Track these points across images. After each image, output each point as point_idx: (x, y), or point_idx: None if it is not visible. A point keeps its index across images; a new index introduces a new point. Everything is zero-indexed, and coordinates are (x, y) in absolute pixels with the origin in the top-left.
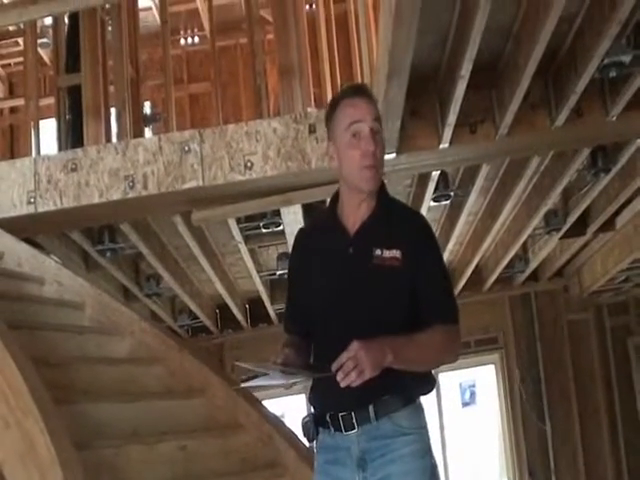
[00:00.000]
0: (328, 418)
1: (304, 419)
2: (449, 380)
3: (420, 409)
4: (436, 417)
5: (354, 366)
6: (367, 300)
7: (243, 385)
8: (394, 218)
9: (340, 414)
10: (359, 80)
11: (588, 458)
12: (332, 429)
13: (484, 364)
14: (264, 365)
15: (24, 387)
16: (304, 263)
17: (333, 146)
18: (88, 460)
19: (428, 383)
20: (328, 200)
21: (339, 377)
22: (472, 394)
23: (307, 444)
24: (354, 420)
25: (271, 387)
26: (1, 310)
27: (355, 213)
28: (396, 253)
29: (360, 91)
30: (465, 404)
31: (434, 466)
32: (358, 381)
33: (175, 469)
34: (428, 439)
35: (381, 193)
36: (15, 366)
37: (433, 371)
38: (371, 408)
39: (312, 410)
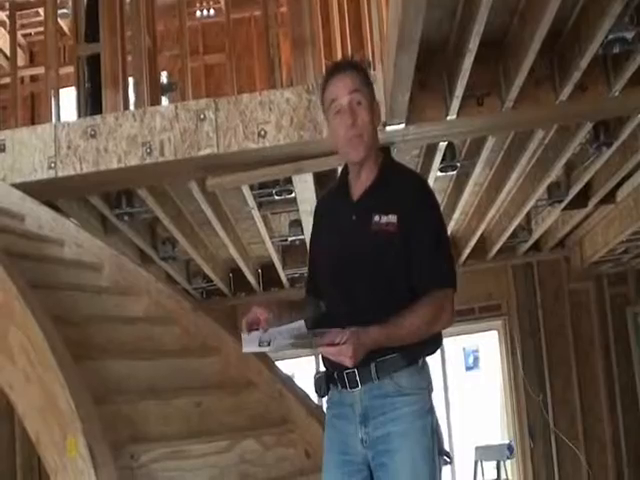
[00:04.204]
0: (336, 375)
1: (316, 375)
2: (453, 345)
3: (423, 370)
4: (440, 380)
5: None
6: (366, 266)
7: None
8: (394, 183)
9: (345, 372)
10: (369, 53)
11: (586, 420)
12: (339, 386)
13: (487, 330)
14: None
15: (45, 344)
16: (318, 229)
17: (329, 126)
18: (106, 414)
19: (433, 344)
20: (339, 169)
21: (322, 350)
22: (475, 359)
23: (318, 399)
24: (357, 378)
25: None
26: (23, 270)
27: (359, 181)
28: (392, 218)
29: (336, 69)
30: (468, 368)
31: (435, 425)
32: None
33: (190, 424)
34: (429, 399)
35: (384, 159)
36: (36, 323)
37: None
38: (372, 367)
39: (323, 368)
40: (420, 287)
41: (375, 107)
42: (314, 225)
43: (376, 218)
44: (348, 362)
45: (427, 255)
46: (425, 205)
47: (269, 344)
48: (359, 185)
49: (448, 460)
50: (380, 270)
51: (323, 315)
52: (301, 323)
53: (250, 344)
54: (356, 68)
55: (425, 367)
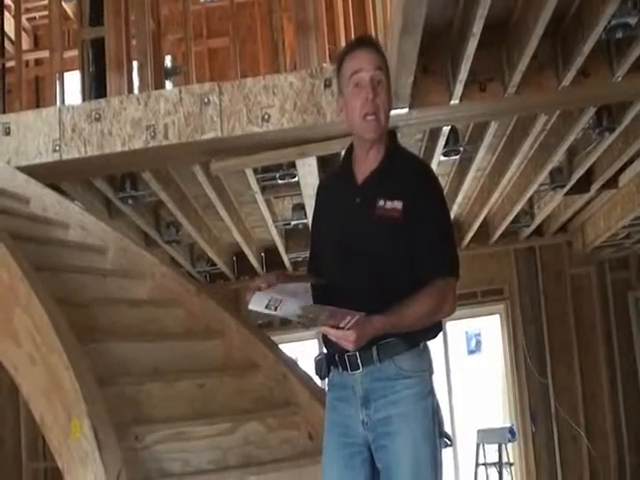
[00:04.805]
0: (337, 357)
1: (317, 357)
2: (456, 328)
3: (424, 353)
4: (443, 364)
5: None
6: (368, 250)
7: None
8: (399, 168)
9: (347, 354)
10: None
11: (588, 405)
12: (340, 368)
13: (489, 314)
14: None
15: (49, 325)
16: (320, 210)
17: (342, 99)
18: (110, 396)
19: (433, 329)
20: (342, 153)
21: (325, 329)
22: (478, 342)
23: (319, 381)
24: (359, 361)
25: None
26: (28, 252)
27: (364, 162)
28: (397, 204)
29: (362, 43)
30: (471, 352)
31: (436, 408)
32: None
33: (194, 406)
34: (430, 382)
35: (390, 143)
36: (41, 305)
37: None
38: (374, 350)
39: (324, 350)
40: (423, 275)
41: (390, 91)
42: (316, 207)
43: (380, 203)
44: (349, 347)
45: (431, 244)
46: (430, 193)
47: (276, 309)
48: (364, 167)
49: (449, 442)
50: (382, 254)
51: (324, 294)
52: (307, 285)
53: (257, 303)
54: (378, 49)
55: (426, 350)
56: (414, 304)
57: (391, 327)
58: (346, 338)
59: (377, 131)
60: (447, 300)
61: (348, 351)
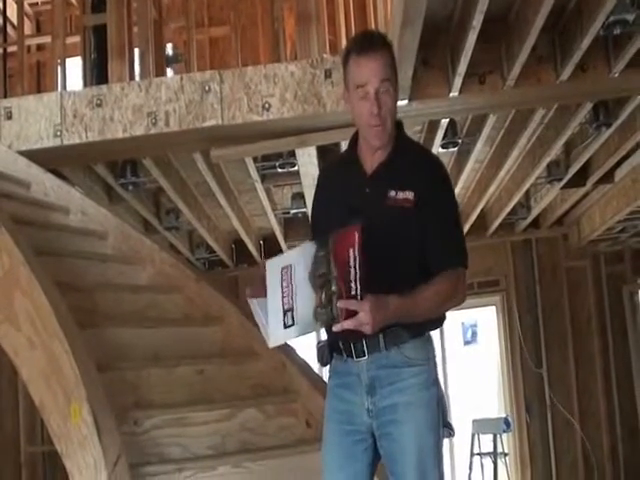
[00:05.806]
0: (341, 344)
1: (319, 343)
2: (452, 319)
3: (428, 341)
4: (439, 354)
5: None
6: (378, 239)
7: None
8: (410, 160)
9: (352, 341)
10: (373, 29)
11: (582, 397)
12: (344, 355)
13: (486, 305)
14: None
15: (50, 310)
16: (324, 200)
17: (346, 93)
18: (110, 381)
19: (438, 318)
20: (342, 143)
21: (343, 324)
22: (474, 333)
23: (321, 368)
24: (365, 347)
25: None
26: (29, 237)
27: (372, 154)
28: (409, 195)
29: (367, 47)
30: (467, 342)
31: (440, 397)
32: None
33: (193, 391)
34: (435, 371)
35: (398, 135)
36: (42, 290)
37: None
38: (381, 337)
39: (326, 336)
40: (434, 266)
41: (397, 90)
42: (317, 196)
43: (392, 193)
44: (368, 329)
45: (442, 235)
46: (442, 184)
47: (293, 320)
48: (372, 158)
49: (452, 432)
50: (392, 243)
51: None
52: (311, 244)
53: (275, 331)
54: (386, 46)
55: (430, 339)
56: (426, 293)
57: (405, 311)
58: (362, 321)
59: (383, 138)
60: (458, 291)
61: (354, 337)
